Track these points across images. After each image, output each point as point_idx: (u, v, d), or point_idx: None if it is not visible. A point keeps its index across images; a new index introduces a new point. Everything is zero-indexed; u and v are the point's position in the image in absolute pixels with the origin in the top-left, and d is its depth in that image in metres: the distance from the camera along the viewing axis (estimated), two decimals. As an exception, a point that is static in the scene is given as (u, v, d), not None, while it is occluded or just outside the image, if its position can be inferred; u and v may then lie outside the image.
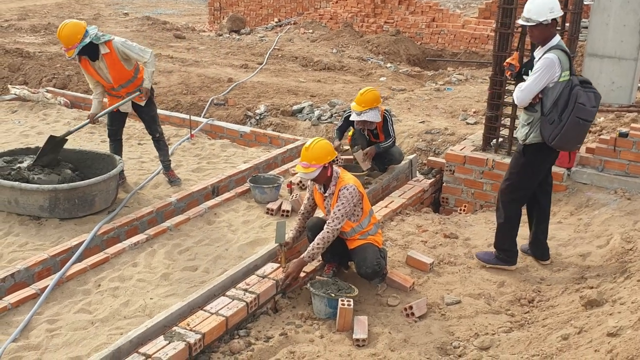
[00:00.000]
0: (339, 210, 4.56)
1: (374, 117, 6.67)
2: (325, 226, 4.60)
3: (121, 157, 6.69)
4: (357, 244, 4.70)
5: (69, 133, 6.42)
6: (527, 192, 4.97)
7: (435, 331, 4.22)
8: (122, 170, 6.68)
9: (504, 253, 5.06)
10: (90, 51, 6.04)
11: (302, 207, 5.00)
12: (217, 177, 6.95)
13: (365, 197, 4.73)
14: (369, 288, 4.77)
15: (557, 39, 4.63)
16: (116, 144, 6.78)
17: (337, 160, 7.19)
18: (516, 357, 3.79)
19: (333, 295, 4.37)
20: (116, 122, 6.69)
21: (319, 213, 5.05)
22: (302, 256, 4.61)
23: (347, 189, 4.58)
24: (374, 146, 6.86)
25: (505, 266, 5.06)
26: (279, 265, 4.75)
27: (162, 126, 6.96)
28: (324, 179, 4.65)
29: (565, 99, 4.52)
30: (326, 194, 4.71)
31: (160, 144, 6.88)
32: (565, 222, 5.98)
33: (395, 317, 4.41)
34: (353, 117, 6.71)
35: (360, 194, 4.65)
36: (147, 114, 6.69)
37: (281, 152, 7.97)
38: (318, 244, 4.56)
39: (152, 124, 6.74)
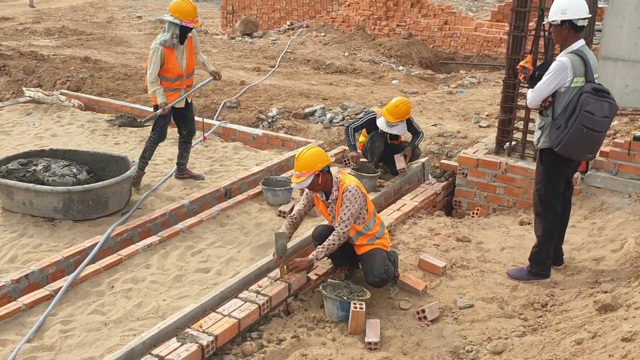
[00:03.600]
0: (345, 213, 4.54)
1: (403, 130, 6.84)
2: (334, 231, 4.58)
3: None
4: (364, 249, 4.67)
5: (147, 120, 6.74)
6: (555, 199, 4.87)
7: (447, 335, 4.21)
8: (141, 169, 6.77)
9: (539, 267, 4.94)
10: (182, 33, 6.28)
11: (293, 212, 4.90)
12: (230, 180, 6.98)
13: (368, 198, 4.71)
14: (381, 291, 4.76)
15: (578, 44, 4.55)
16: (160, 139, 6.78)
17: (349, 162, 7.21)
18: (529, 361, 3.77)
19: (345, 298, 4.36)
20: (168, 119, 6.69)
21: (322, 220, 5.00)
22: (309, 256, 4.63)
23: (350, 191, 4.55)
24: (410, 146, 6.99)
25: (540, 280, 4.94)
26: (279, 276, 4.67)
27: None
28: (321, 187, 4.59)
29: (573, 105, 4.46)
30: (329, 200, 4.67)
31: (189, 146, 6.98)
32: (579, 225, 5.94)
33: (408, 320, 4.40)
34: (383, 127, 6.77)
35: (363, 195, 4.64)
36: (191, 112, 6.85)
37: (293, 155, 7.90)
38: (326, 246, 4.57)
39: (192, 123, 6.88)
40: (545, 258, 4.95)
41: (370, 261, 4.60)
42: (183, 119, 6.82)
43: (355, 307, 4.20)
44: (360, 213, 4.63)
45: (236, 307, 4.23)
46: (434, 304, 4.49)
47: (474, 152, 7.11)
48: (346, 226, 4.55)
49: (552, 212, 4.88)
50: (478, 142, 7.79)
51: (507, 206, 6.80)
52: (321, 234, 4.80)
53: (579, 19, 4.51)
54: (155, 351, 3.75)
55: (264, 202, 6.56)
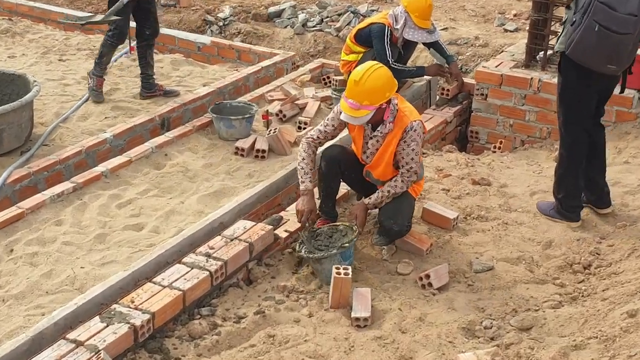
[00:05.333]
0: (412, 158, 4.55)
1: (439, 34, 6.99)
2: (399, 177, 4.61)
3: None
4: None
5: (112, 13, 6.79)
6: (578, 124, 4.98)
7: (460, 307, 4.25)
8: None
9: (562, 203, 5.10)
10: None
11: (314, 133, 4.79)
12: (168, 106, 6.90)
13: None
14: (371, 251, 4.80)
15: None
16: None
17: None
18: (567, 340, 3.83)
19: (337, 247, 4.47)
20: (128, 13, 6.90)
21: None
22: (364, 201, 4.71)
23: (415, 130, 4.51)
24: (448, 59, 7.07)
25: (564, 221, 5.09)
26: (270, 225, 4.73)
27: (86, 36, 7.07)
28: (374, 120, 4.57)
29: None
30: (375, 133, 4.63)
31: (152, 51, 7.18)
32: (634, 162, 5.98)
33: (408, 288, 4.43)
34: (423, 39, 6.75)
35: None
36: (154, 6, 7.04)
37: (254, 72, 7.87)
38: (388, 192, 4.62)
39: (157, 21, 7.12)
40: (569, 194, 5.07)
41: (395, 203, 4.67)
42: (145, 15, 6.96)
43: (339, 273, 4.22)
44: None
45: (180, 275, 4.21)
46: (441, 267, 4.51)
47: (496, 66, 7.07)
48: (415, 172, 4.59)
49: (571, 138, 5.00)
50: (502, 51, 7.75)
51: (539, 137, 6.82)
52: (335, 159, 4.76)
53: None
54: (71, 335, 3.74)
55: (215, 135, 6.52)
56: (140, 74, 7.27)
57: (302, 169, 4.71)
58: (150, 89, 7.23)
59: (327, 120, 4.77)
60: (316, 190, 4.90)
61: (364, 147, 4.72)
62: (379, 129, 4.59)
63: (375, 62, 4.60)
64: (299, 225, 4.84)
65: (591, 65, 4.72)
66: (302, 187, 4.72)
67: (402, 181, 4.62)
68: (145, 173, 5.88)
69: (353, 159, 4.84)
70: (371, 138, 4.65)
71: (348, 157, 4.83)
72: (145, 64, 7.19)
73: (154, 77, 7.28)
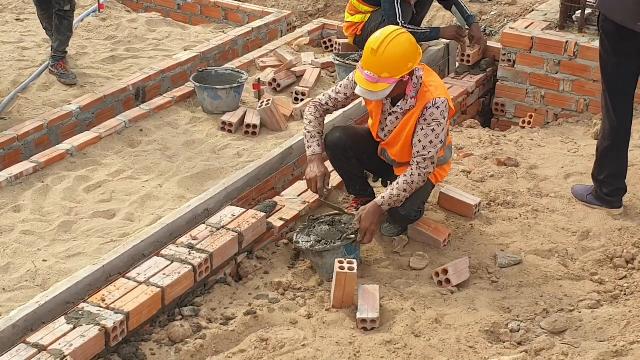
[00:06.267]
0: (432, 142, 4.47)
1: None
2: (414, 168, 4.52)
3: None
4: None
5: None
6: (622, 93, 4.99)
7: (482, 307, 4.26)
8: None
9: (602, 186, 5.09)
10: None
11: (323, 97, 4.79)
12: (144, 73, 6.90)
13: None
14: (380, 242, 4.80)
15: None
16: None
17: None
18: (606, 345, 3.84)
19: (339, 239, 4.46)
20: None
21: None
22: (377, 202, 4.54)
23: (438, 106, 4.45)
24: (469, 19, 7.11)
25: (603, 208, 5.09)
26: (262, 212, 4.73)
27: None
28: (396, 93, 4.53)
29: None
30: (394, 109, 4.61)
31: (65, 23, 6.94)
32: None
33: (422, 286, 4.44)
34: None
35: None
36: None
37: (243, 34, 7.86)
38: (404, 190, 4.51)
39: None
40: (609, 176, 5.06)
41: None
42: None
43: (342, 268, 4.23)
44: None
45: (158, 269, 4.21)
46: (461, 261, 4.52)
47: (526, 27, 7.06)
48: (432, 162, 4.52)
49: (614, 110, 4.99)
50: (533, 10, 7.73)
51: (575, 110, 6.82)
52: (338, 146, 4.77)
53: None
54: (32, 338, 3.74)
55: (198, 108, 6.53)
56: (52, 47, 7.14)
57: (309, 132, 4.72)
58: (54, 62, 7.06)
59: (340, 87, 4.76)
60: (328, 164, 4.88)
61: (381, 124, 4.70)
62: (399, 104, 4.57)
63: (397, 27, 4.57)
64: (297, 211, 4.85)
65: (619, 19, 4.73)
66: (308, 152, 4.71)
67: (418, 174, 4.51)
68: (117, 151, 5.88)
69: (363, 138, 4.83)
70: (390, 114, 4.63)
71: (355, 139, 4.82)
72: (54, 34, 7.04)
73: (64, 50, 7.09)
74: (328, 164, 4.90)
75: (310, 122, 4.73)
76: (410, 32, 6.49)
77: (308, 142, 4.71)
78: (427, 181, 4.65)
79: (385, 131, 4.69)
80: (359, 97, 4.72)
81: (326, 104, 4.76)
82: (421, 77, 4.53)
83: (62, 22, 6.90)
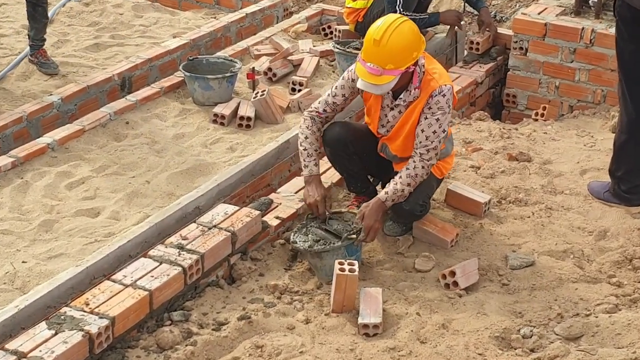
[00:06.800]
0: (435, 132, 4.49)
1: None
2: (417, 160, 4.55)
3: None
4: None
5: None
6: (636, 83, 5.02)
7: (492, 311, 4.27)
8: None
9: (621, 182, 5.13)
10: None
11: (319, 105, 4.77)
12: (130, 62, 6.90)
13: None
14: (383, 242, 4.83)
15: None
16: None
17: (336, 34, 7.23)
18: (625, 352, 3.87)
19: (339, 239, 4.48)
20: None
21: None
22: (380, 198, 4.57)
23: (444, 94, 4.48)
24: (485, 8, 7.20)
25: (622, 206, 5.13)
26: (257, 210, 4.74)
27: None
28: (399, 85, 4.54)
29: None
30: (397, 102, 4.64)
31: (39, 10, 6.90)
32: None
33: (428, 289, 4.46)
34: None
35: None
36: None
37: (236, 20, 7.87)
38: (408, 184, 4.54)
39: None
40: (629, 171, 5.10)
41: None
42: None
43: (343, 269, 4.24)
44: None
45: (145, 271, 4.21)
46: (470, 263, 4.54)
47: (539, 12, 7.08)
48: (436, 153, 4.55)
49: (633, 101, 5.02)
50: (547, -6, 7.75)
51: (592, 102, 6.85)
52: (338, 141, 4.78)
53: None
54: (11, 344, 3.73)
55: (189, 99, 6.54)
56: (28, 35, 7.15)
57: (305, 150, 4.71)
58: (33, 51, 7.07)
59: (335, 88, 4.74)
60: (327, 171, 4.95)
61: (381, 119, 4.72)
62: (401, 96, 4.59)
63: (398, 14, 4.60)
64: (294, 211, 4.88)
65: (636, 3, 4.76)
66: (305, 172, 4.72)
67: (422, 166, 4.53)
68: (101, 146, 5.89)
69: (363, 133, 4.86)
70: (392, 109, 4.66)
71: (356, 134, 4.84)
72: (29, 23, 7.05)
73: (41, 39, 7.06)
74: (327, 162, 4.96)
75: (306, 137, 4.72)
76: (411, 20, 6.61)
77: (304, 161, 4.71)
78: (430, 174, 4.66)
79: (387, 127, 4.72)
80: (358, 95, 4.74)
81: (324, 111, 4.75)
82: (423, 65, 4.55)
83: (36, 9, 6.85)
